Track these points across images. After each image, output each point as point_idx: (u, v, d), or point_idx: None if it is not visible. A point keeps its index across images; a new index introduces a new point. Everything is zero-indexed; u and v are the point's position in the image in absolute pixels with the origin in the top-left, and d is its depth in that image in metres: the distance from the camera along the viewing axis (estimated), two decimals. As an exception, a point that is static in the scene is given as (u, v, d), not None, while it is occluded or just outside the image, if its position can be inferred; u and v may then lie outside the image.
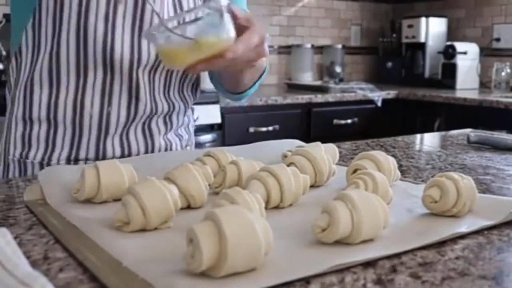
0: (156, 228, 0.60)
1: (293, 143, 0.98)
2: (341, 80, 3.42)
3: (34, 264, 0.51)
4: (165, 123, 1.05)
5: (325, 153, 0.82)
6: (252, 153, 0.90)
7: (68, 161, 0.99)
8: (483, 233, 0.61)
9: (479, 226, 0.62)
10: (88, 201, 0.70)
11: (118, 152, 1.00)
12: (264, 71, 1.08)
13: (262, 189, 0.68)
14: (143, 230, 0.60)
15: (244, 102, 2.49)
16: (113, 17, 0.93)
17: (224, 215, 0.48)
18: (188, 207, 0.69)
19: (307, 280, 0.48)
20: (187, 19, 0.89)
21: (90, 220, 0.63)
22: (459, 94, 2.96)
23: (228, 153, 0.85)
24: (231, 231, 0.46)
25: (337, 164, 0.91)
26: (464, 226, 0.61)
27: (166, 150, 1.06)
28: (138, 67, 0.96)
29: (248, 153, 0.89)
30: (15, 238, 0.57)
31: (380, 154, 0.80)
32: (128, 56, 0.95)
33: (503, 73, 3.19)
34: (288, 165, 0.78)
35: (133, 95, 0.98)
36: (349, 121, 2.94)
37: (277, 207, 0.70)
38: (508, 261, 0.54)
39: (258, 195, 0.62)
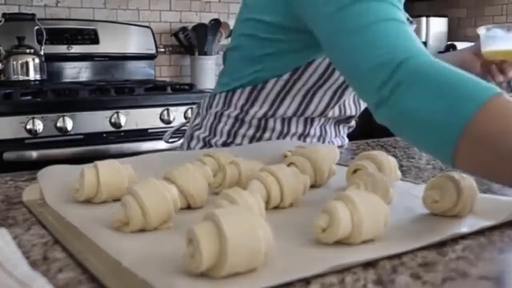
0: (155, 228, 0.60)
1: (293, 143, 0.98)
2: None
3: (33, 264, 0.51)
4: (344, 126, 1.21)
5: (325, 153, 0.82)
6: (252, 153, 0.90)
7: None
8: (484, 234, 0.61)
9: (480, 227, 0.62)
10: (88, 201, 0.70)
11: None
12: None
13: (262, 189, 0.68)
14: (142, 230, 0.60)
15: None
16: None
17: (224, 216, 0.47)
18: (188, 207, 0.69)
19: (307, 280, 0.48)
20: None
21: (90, 220, 0.62)
22: (459, 94, 2.95)
23: (228, 153, 0.85)
24: (231, 232, 0.46)
25: (337, 164, 0.91)
26: (465, 227, 0.61)
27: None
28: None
29: (248, 153, 0.89)
30: (14, 238, 0.57)
31: (380, 154, 0.80)
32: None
33: (503, 73, 3.18)
34: (288, 165, 0.78)
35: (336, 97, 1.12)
36: (349, 121, 2.94)
37: (277, 207, 0.70)
38: (509, 262, 0.54)
39: (258, 195, 0.62)
